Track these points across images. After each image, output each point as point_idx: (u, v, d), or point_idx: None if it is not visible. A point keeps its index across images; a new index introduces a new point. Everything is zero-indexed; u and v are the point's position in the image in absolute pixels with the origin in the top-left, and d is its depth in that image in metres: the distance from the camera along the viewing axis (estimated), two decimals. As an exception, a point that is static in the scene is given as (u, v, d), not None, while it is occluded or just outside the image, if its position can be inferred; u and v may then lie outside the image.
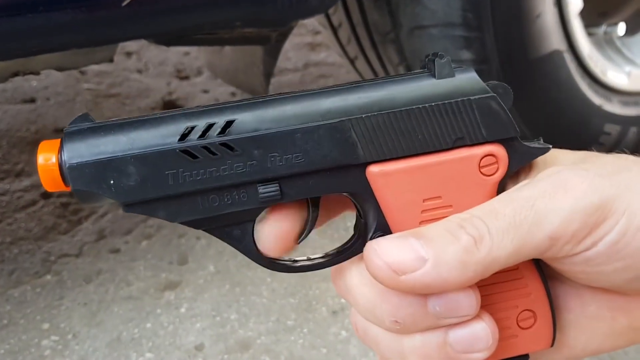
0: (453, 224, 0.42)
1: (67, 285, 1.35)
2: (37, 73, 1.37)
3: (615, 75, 1.54)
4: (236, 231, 0.45)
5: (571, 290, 0.48)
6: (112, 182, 0.41)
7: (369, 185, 0.44)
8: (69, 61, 1.32)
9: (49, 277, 1.37)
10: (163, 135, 0.42)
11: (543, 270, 0.47)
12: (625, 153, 0.47)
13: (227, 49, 1.73)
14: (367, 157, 0.44)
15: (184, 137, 0.42)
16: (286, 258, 0.48)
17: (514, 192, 0.43)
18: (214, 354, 1.16)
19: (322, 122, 0.43)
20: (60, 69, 1.37)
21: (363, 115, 0.43)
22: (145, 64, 2.48)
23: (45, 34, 1.02)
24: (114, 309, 1.28)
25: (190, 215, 0.43)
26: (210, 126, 0.42)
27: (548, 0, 1.35)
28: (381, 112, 0.43)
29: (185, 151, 0.42)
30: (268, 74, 1.56)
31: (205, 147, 0.42)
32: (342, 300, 1.28)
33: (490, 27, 1.31)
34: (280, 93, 0.45)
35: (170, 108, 2.26)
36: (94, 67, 2.35)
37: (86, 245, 1.48)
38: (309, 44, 2.70)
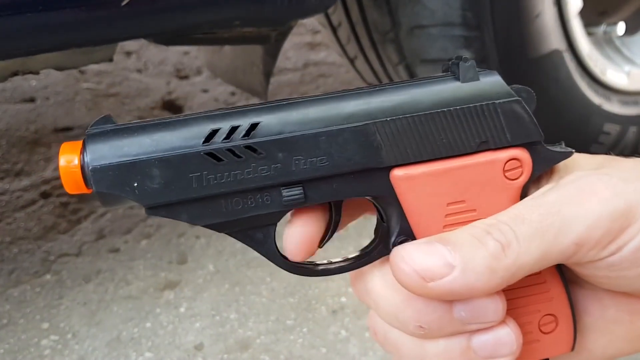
0: (479, 230, 0.41)
1: (67, 284, 1.35)
2: (36, 72, 1.37)
3: (615, 75, 1.54)
4: (259, 234, 0.45)
5: (590, 294, 0.48)
6: (135, 184, 0.41)
7: (393, 188, 0.44)
8: (69, 61, 1.32)
9: (48, 276, 1.37)
10: (187, 138, 0.42)
11: (564, 275, 0.47)
12: None
13: (227, 48, 1.73)
14: (392, 161, 0.44)
15: (208, 139, 0.42)
16: (307, 262, 0.48)
17: (539, 197, 0.43)
18: (214, 353, 1.16)
19: (346, 125, 0.43)
20: (59, 68, 1.37)
21: (387, 119, 0.43)
22: (144, 64, 2.48)
23: (45, 34, 1.02)
24: (113, 309, 1.28)
25: (214, 219, 0.43)
26: (234, 129, 0.42)
27: (547, 0, 1.35)
28: (405, 115, 0.43)
29: (209, 154, 0.41)
30: (268, 74, 1.56)
31: (230, 150, 0.42)
32: (342, 300, 1.28)
33: (489, 26, 1.31)
34: (304, 96, 0.45)
35: (169, 107, 2.26)
36: (94, 67, 2.35)
37: (85, 244, 1.48)
38: (308, 43, 2.70)
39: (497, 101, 0.44)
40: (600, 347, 0.48)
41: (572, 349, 0.48)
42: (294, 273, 0.47)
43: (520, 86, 0.46)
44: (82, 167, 0.41)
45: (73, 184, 0.41)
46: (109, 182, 0.41)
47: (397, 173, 0.44)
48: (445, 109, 0.44)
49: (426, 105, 0.44)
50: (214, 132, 0.42)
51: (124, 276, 1.37)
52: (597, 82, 1.50)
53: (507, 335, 0.43)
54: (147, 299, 1.30)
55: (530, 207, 0.42)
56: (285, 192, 0.43)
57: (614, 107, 1.52)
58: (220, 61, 1.81)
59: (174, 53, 2.55)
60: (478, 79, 0.45)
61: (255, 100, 2.21)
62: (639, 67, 1.60)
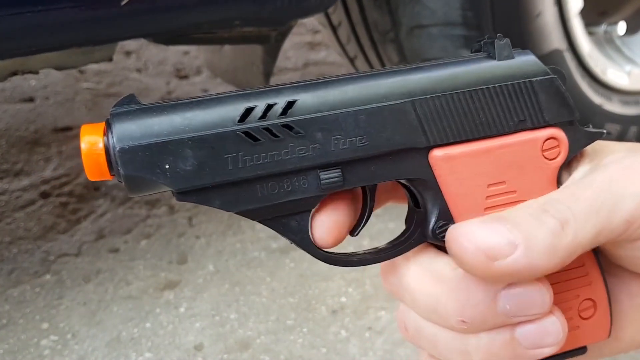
0: (535, 209, 0.40)
1: (67, 284, 1.35)
2: (36, 72, 1.37)
3: (616, 75, 1.54)
4: (293, 222, 0.42)
5: (619, 282, 0.47)
6: (167, 166, 0.38)
7: (432, 170, 0.43)
8: (68, 60, 1.32)
9: (48, 276, 1.37)
10: (221, 117, 0.39)
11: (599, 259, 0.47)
12: None
13: (227, 48, 1.73)
14: (431, 141, 0.43)
15: (243, 118, 0.39)
16: (342, 252, 0.46)
17: (587, 177, 0.43)
18: (214, 353, 1.16)
19: (386, 103, 0.42)
20: (59, 68, 1.37)
21: (426, 96, 0.42)
22: (144, 63, 2.48)
23: (44, 33, 1.02)
24: (113, 309, 1.28)
25: (248, 204, 0.41)
26: (270, 106, 0.40)
27: (547, 2, 1.35)
28: (444, 93, 0.43)
29: (245, 133, 0.39)
30: (267, 73, 1.56)
31: (267, 129, 0.39)
32: (342, 300, 1.28)
33: (490, 26, 1.31)
34: (339, 75, 0.43)
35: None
36: (93, 66, 2.35)
37: (85, 244, 1.48)
38: (308, 43, 2.70)
39: (533, 79, 0.44)
40: (629, 336, 0.48)
41: (609, 335, 0.47)
42: (329, 263, 0.45)
43: (552, 66, 0.46)
44: (107, 149, 0.38)
45: (96, 169, 0.38)
46: (139, 164, 0.38)
47: (436, 153, 0.43)
48: (483, 87, 0.43)
49: (464, 83, 0.43)
50: (249, 110, 0.40)
51: (124, 276, 1.37)
52: (598, 81, 1.50)
53: (553, 324, 0.42)
54: (147, 299, 1.30)
55: (581, 186, 0.42)
56: (323, 175, 0.41)
57: (614, 107, 1.52)
58: (220, 61, 1.81)
59: (174, 53, 2.55)
60: (513, 57, 0.45)
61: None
62: (639, 66, 1.60)
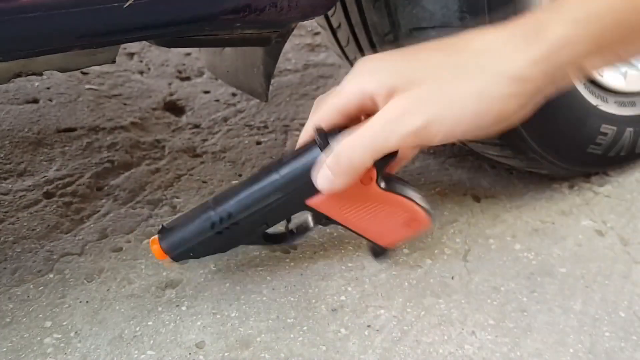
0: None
1: (70, 283, 1.36)
2: (39, 74, 1.38)
3: (612, 76, 1.55)
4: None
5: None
6: (191, 254, 1.00)
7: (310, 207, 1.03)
8: (71, 62, 1.33)
9: (51, 275, 1.39)
10: (203, 225, 1.01)
11: (400, 187, 1.00)
12: None
13: (228, 50, 1.74)
14: (306, 196, 1.00)
15: (212, 226, 0.98)
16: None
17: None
18: (215, 351, 1.18)
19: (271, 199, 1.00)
20: (62, 70, 1.38)
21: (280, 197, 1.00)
22: (146, 65, 2.50)
23: (47, 35, 1.03)
24: (115, 307, 1.29)
25: (232, 247, 1.06)
26: (222, 218, 0.96)
27: (545, 2, 1.36)
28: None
29: (217, 233, 0.96)
30: (268, 75, 1.57)
31: (226, 227, 0.97)
32: (342, 298, 1.29)
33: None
34: (250, 179, 0.98)
35: (171, 109, 2.26)
36: (96, 68, 2.36)
37: (88, 244, 1.49)
38: (308, 45, 2.71)
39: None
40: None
41: (431, 223, 1.03)
42: (271, 242, 1.07)
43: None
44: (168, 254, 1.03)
45: (162, 258, 1.03)
46: (178, 257, 1.02)
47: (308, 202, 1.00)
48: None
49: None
50: (214, 223, 0.99)
51: (126, 275, 1.38)
52: (594, 83, 1.51)
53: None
54: (149, 298, 1.31)
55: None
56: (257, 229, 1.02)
57: (610, 108, 1.54)
58: (221, 63, 1.82)
59: (176, 54, 2.57)
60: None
61: (256, 102, 2.22)
62: (635, 68, 1.61)
